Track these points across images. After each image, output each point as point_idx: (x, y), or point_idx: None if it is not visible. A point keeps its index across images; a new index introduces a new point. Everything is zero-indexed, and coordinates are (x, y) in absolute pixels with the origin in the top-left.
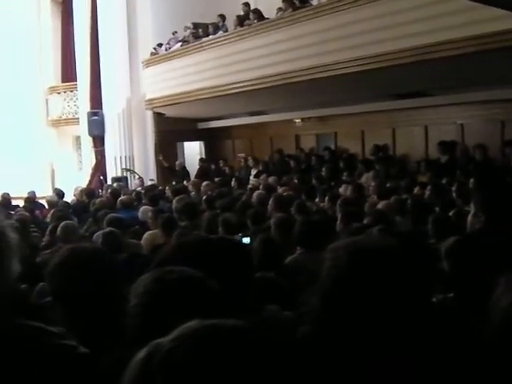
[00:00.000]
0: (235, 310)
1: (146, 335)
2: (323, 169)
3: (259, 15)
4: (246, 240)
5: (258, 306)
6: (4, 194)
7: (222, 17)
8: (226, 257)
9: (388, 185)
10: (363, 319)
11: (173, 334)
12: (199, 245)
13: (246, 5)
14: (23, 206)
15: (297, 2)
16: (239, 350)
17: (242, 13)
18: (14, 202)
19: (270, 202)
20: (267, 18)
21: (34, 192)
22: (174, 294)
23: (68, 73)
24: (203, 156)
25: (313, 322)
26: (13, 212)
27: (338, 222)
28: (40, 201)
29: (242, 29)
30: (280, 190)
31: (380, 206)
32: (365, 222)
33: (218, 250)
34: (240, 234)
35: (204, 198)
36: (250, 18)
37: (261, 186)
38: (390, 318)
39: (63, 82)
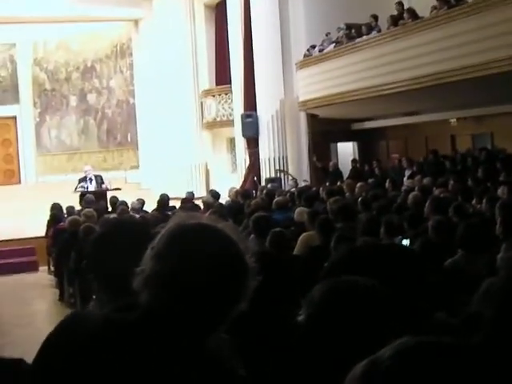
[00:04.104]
0: (407, 318)
1: (319, 346)
2: (479, 170)
3: (413, 14)
4: (406, 242)
5: (427, 313)
6: (162, 194)
7: (375, 17)
8: (399, 263)
9: None
10: None
11: (389, 351)
12: (371, 252)
13: (400, 4)
14: (180, 207)
15: (452, 0)
16: (459, 369)
17: (395, 12)
18: (171, 203)
19: (427, 203)
20: (421, 17)
21: (192, 193)
22: (349, 305)
23: (222, 76)
24: (356, 156)
25: (486, 333)
26: (169, 213)
27: (498, 226)
28: (196, 202)
29: (395, 29)
30: (436, 191)
31: None
32: None
33: (390, 256)
34: (400, 237)
35: (360, 199)
36: (404, 18)
37: (416, 188)
38: None
39: (217, 85)
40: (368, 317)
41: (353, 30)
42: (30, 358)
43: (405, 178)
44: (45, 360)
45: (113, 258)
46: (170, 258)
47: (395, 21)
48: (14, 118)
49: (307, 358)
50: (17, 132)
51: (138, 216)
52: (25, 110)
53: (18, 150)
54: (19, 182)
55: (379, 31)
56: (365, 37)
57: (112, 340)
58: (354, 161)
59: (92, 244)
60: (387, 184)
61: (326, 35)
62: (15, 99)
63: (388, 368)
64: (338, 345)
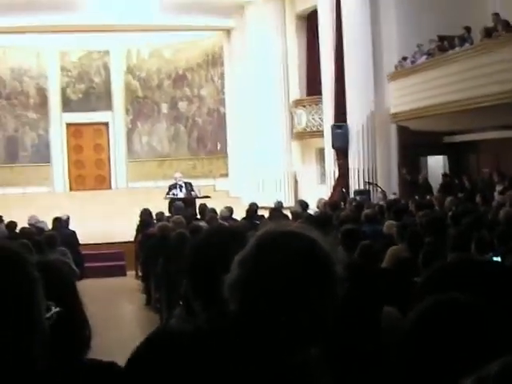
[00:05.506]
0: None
1: (421, 363)
2: None
3: (507, 26)
4: (497, 259)
5: None
6: (252, 203)
7: (468, 29)
8: (494, 281)
9: None
10: None
11: (496, 367)
12: (466, 268)
13: (497, 15)
14: (268, 217)
15: None
16: None
17: (488, 24)
18: (259, 212)
19: None
20: None
21: (281, 202)
22: (453, 322)
23: (313, 86)
24: (446, 170)
25: None
26: (258, 222)
27: None
28: (284, 211)
29: (488, 40)
30: None
31: None
32: None
33: (485, 273)
34: (490, 254)
35: (450, 213)
36: (498, 30)
37: (508, 203)
38: None
39: (308, 95)
40: (472, 334)
41: (445, 42)
42: (116, 361)
43: (495, 193)
44: (137, 369)
45: (211, 265)
46: (248, 263)
47: (489, 33)
48: (107, 124)
49: (408, 373)
50: (109, 138)
51: (226, 224)
52: (117, 117)
53: (109, 156)
54: (110, 188)
55: (472, 43)
56: (457, 49)
57: (201, 350)
58: (444, 175)
59: (192, 250)
60: (477, 198)
61: (418, 47)
62: (108, 106)
63: None
64: (439, 362)
